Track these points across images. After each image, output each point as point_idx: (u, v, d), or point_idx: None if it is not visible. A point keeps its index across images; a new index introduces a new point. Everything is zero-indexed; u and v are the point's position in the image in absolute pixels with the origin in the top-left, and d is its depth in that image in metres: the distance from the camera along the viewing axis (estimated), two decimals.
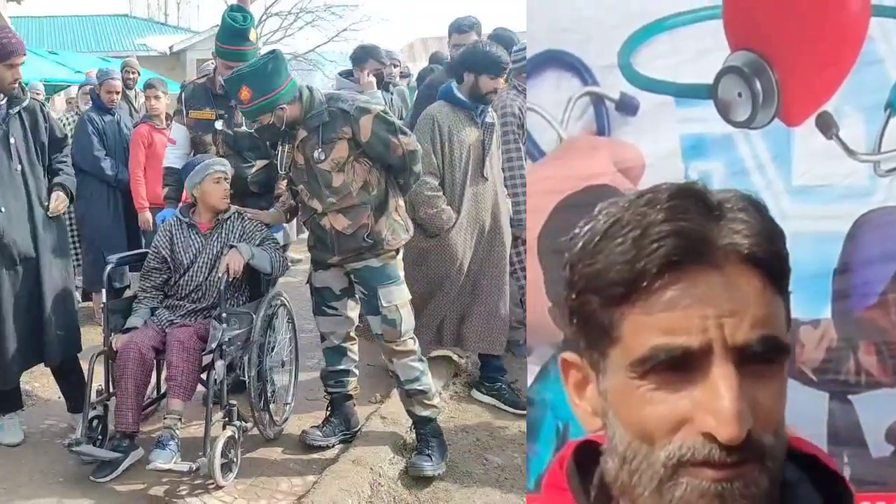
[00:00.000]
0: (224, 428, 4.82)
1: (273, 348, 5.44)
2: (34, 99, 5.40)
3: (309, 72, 25.75)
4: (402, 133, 4.95)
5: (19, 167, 5.04)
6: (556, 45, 2.66)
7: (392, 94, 7.84)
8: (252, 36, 5.69)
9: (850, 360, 2.51)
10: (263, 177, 5.81)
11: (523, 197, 5.89)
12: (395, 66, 8.49)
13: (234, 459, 4.83)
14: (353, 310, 5.32)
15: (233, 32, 5.61)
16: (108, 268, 5.20)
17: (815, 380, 2.55)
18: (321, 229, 5.05)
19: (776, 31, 2.41)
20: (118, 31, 34.55)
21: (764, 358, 1.01)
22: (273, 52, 5.10)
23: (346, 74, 7.54)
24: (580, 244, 1.09)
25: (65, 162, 5.46)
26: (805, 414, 2.45)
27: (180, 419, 4.83)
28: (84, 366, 5.20)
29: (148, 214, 7.44)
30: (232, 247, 5.07)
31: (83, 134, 7.75)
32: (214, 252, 5.18)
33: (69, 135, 6.39)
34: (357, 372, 5.49)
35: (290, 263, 6.04)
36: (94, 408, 4.94)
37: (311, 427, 5.39)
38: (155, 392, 5.41)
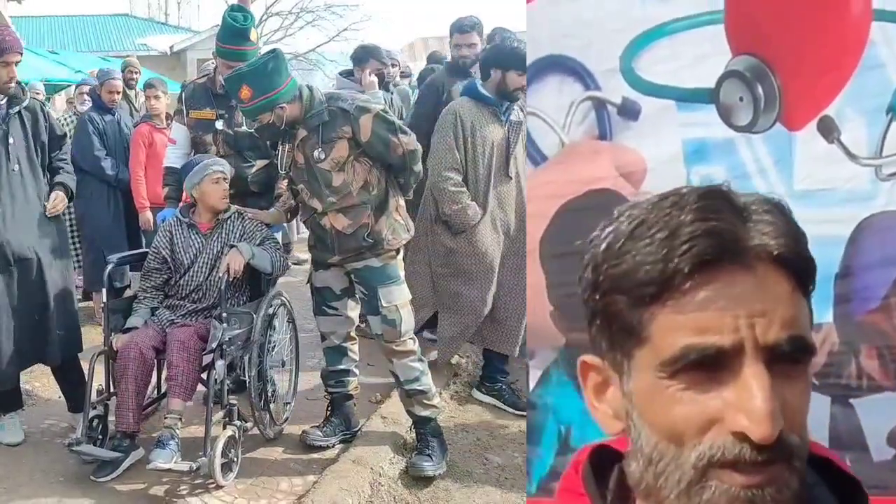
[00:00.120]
0: (224, 428, 4.83)
1: (273, 348, 5.44)
2: (34, 99, 5.40)
3: (309, 71, 25.76)
4: (402, 132, 4.95)
5: (17, 167, 5.03)
6: (558, 49, 2.66)
7: (392, 93, 7.83)
8: (252, 36, 5.69)
9: (851, 364, 2.51)
10: (264, 176, 5.80)
11: None
12: (394, 65, 8.48)
13: (235, 459, 4.83)
14: (353, 310, 5.32)
15: (233, 32, 5.61)
16: (109, 267, 5.20)
17: (816, 384, 2.55)
18: (321, 229, 5.05)
19: (777, 35, 2.41)
20: (118, 31, 34.58)
21: (791, 358, 1.02)
22: (273, 51, 5.10)
23: (347, 74, 7.54)
24: (604, 245, 1.09)
25: (64, 160, 5.47)
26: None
27: (181, 419, 4.83)
28: (84, 365, 5.20)
29: (148, 214, 7.44)
30: (232, 246, 5.07)
31: (84, 134, 7.74)
32: (215, 252, 5.18)
33: (69, 134, 6.38)
34: (357, 372, 5.49)
35: (291, 263, 6.04)
36: (95, 407, 4.94)
37: (312, 427, 5.39)
38: (155, 392, 5.40)
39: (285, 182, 5.36)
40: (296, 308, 5.83)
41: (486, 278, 5.97)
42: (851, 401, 2.54)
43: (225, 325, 4.84)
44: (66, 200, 5.37)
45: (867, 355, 2.51)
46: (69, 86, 13.07)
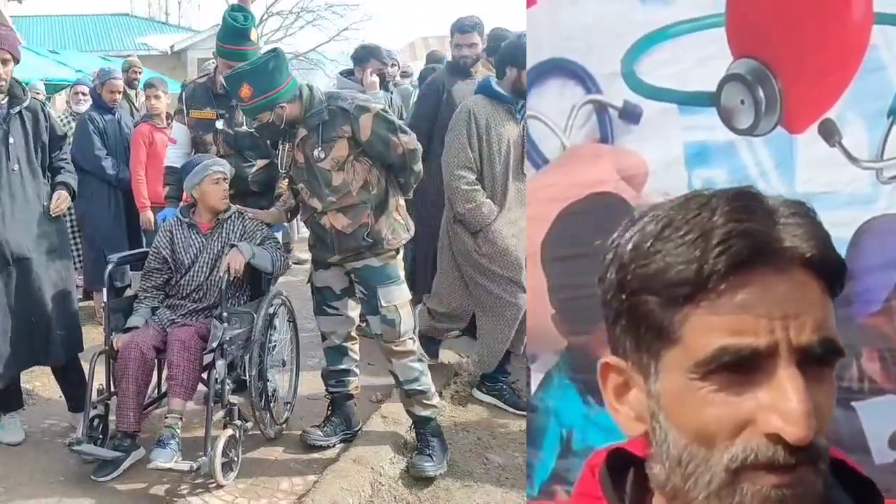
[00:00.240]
0: (225, 427, 4.84)
1: (274, 347, 5.44)
2: (35, 99, 5.40)
3: (310, 71, 25.75)
4: (401, 132, 4.94)
5: (17, 167, 5.03)
6: (559, 53, 2.66)
7: (391, 93, 7.83)
8: (253, 35, 5.69)
9: (853, 367, 2.51)
10: (264, 176, 5.80)
11: None
12: (394, 65, 8.48)
13: (235, 459, 4.84)
14: (353, 309, 5.33)
15: (234, 32, 5.61)
16: (109, 267, 5.19)
17: None
18: (321, 228, 5.05)
19: (779, 38, 2.41)
20: (119, 31, 34.59)
21: (821, 360, 1.02)
22: (274, 50, 5.10)
23: (348, 74, 7.54)
24: (631, 245, 1.08)
25: (65, 160, 5.47)
26: None
27: (181, 418, 4.83)
28: (85, 365, 5.20)
29: (149, 213, 7.43)
30: (233, 246, 5.07)
31: (84, 133, 7.74)
32: (215, 252, 5.18)
33: (69, 134, 6.38)
34: (358, 371, 5.49)
35: (292, 263, 6.04)
36: (95, 407, 4.94)
37: (312, 427, 5.40)
38: (156, 391, 5.40)
39: (286, 182, 5.36)
40: (296, 308, 5.83)
41: (512, 277, 5.88)
42: (853, 403, 2.54)
43: (225, 324, 4.84)
44: (69, 200, 5.38)
45: (868, 358, 2.51)
46: (70, 85, 13.09)
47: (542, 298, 2.70)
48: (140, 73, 9.28)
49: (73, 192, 5.43)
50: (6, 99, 5.06)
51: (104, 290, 5.24)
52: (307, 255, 5.57)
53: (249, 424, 5.10)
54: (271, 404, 5.34)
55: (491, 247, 5.85)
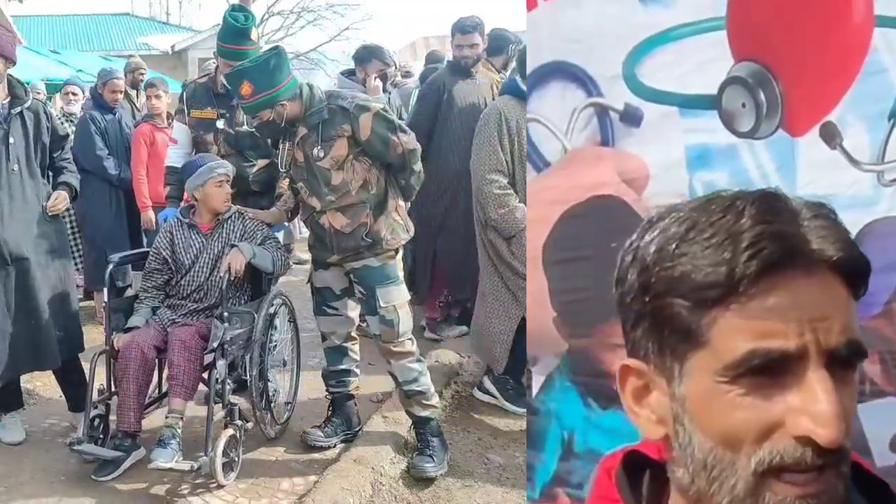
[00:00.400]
0: (225, 427, 4.84)
1: (275, 347, 5.45)
2: (36, 100, 5.40)
3: (310, 71, 25.75)
4: (401, 131, 4.94)
5: (16, 167, 5.04)
6: (560, 56, 2.66)
7: (389, 92, 7.83)
8: (253, 35, 5.70)
9: None
10: (265, 176, 5.81)
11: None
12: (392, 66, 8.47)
13: (236, 458, 4.85)
14: (353, 310, 5.33)
15: (234, 31, 5.62)
16: (110, 267, 5.20)
17: None
18: (320, 228, 5.06)
19: (780, 41, 2.41)
20: (120, 30, 34.66)
21: (847, 361, 1.02)
22: (275, 48, 5.11)
23: (349, 73, 7.54)
24: (654, 248, 1.09)
25: (67, 160, 5.48)
26: None
27: (182, 418, 4.84)
28: (85, 365, 5.20)
29: (151, 213, 7.43)
30: (233, 246, 5.07)
31: (85, 133, 7.73)
32: (216, 252, 5.18)
33: (70, 134, 6.38)
34: (358, 372, 5.49)
35: (293, 263, 6.04)
36: (96, 407, 4.96)
37: (313, 427, 5.41)
38: (156, 391, 5.41)
39: (286, 181, 5.36)
40: (297, 308, 5.83)
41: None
42: None
43: (226, 324, 4.84)
44: (69, 200, 5.38)
45: (870, 360, 2.51)
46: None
47: (543, 301, 2.70)
48: (145, 74, 9.28)
49: (75, 192, 5.44)
50: (7, 99, 5.06)
51: (105, 289, 5.24)
52: (308, 256, 5.56)
53: (250, 424, 5.11)
54: (272, 404, 5.34)
55: (525, 251, 5.73)
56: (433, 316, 7.57)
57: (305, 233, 5.64)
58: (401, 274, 5.17)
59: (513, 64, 6.71)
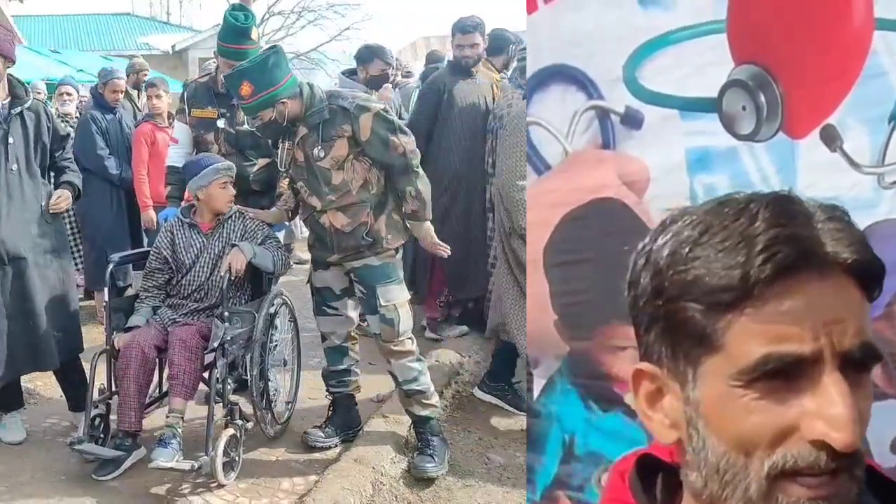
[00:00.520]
0: (226, 427, 4.85)
1: (275, 347, 5.45)
2: (36, 99, 5.40)
3: (311, 70, 25.75)
4: (401, 132, 4.93)
5: (15, 167, 5.04)
6: (561, 59, 2.66)
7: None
8: (254, 34, 5.70)
9: None
10: (265, 175, 5.81)
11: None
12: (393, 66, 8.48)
13: (236, 458, 4.85)
14: (353, 309, 5.33)
15: (234, 31, 5.62)
16: (111, 266, 5.20)
17: None
18: (320, 227, 5.06)
19: (780, 44, 2.41)
20: (120, 30, 34.66)
21: (861, 364, 1.01)
22: (273, 47, 5.11)
23: (350, 73, 7.54)
24: (667, 251, 1.08)
25: (69, 159, 5.48)
26: None
27: (182, 418, 4.84)
28: (86, 365, 5.20)
29: (151, 213, 7.40)
30: (234, 246, 5.07)
31: (86, 133, 7.72)
32: (216, 251, 5.18)
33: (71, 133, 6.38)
34: (359, 371, 5.49)
35: (293, 263, 6.03)
36: (97, 406, 4.96)
37: (313, 427, 5.41)
38: (157, 390, 5.41)
39: (286, 181, 5.36)
40: (297, 308, 5.83)
41: None
42: None
43: (227, 324, 4.85)
44: (70, 200, 5.37)
45: None
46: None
47: (543, 304, 2.70)
48: (148, 75, 9.27)
49: (78, 191, 5.44)
50: (8, 99, 5.06)
51: (105, 289, 5.24)
52: (308, 255, 5.56)
53: (250, 424, 5.11)
54: (272, 404, 5.35)
55: None
56: (433, 316, 7.57)
57: (306, 232, 5.64)
58: (401, 273, 5.17)
59: (514, 64, 6.71)
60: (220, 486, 4.71)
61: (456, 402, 6.21)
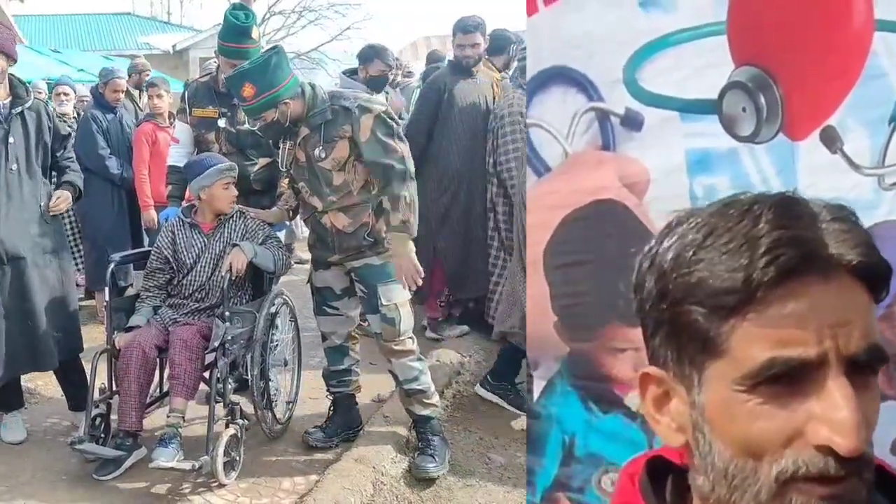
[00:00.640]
0: (227, 426, 4.84)
1: (276, 347, 5.45)
2: (37, 99, 5.40)
3: (311, 70, 25.74)
4: (399, 138, 4.90)
5: (15, 166, 5.04)
6: (561, 61, 2.66)
7: (388, 92, 7.83)
8: (254, 33, 5.69)
9: None
10: (266, 175, 5.81)
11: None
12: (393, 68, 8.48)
13: (237, 458, 4.85)
14: (354, 309, 5.32)
15: (235, 30, 5.62)
16: (111, 266, 5.20)
17: None
18: (322, 227, 5.06)
19: (780, 45, 2.41)
20: (121, 30, 34.65)
21: (868, 367, 1.01)
22: (275, 47, 5.10)
23: (351, 73, 7.54)
24: (672, 254, 1.07)
25: (70, 159, 5.49)
26: None
27: (183, 417, 4.85)
28: (86, 364, 5.21)
29: (153, 213, 7.40)
30: (235, 245, 5.07)
31: (87, 133, 7.73)
32: (217, 251, 5.18)
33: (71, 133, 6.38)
34: (359, 371, 5.49)
35: (294, 262, 6.03)
36: (97, 406, 4.96)
37: (314, 427, 5.41)
38: (158, 390, 5.41)
39: (287, 180, 5.36)
40: (298, 307, 5.83)
41: None
42: None
43: (227, 323, 4.85)
44: (70, 200, 5.37)
45: None
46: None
47: (543, 306, 2.70)
48: (150, 75, 9.27)
49: (79, 191, 5.44)
50: (9, 99, 5.06)
51: (106, 289, 5.24)
52: (309, 255, 5.56)
53: (251, 423, 5.11)
54: (273, 404, 5.35)
55: None
56: (434, 315, 7.57)
57: (306, 232, 5.63)
58: None
59: (514, 64, 6.71)
60: (221, 485, 4.71)
61: (456, 401, 6.20)
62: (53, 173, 5.42)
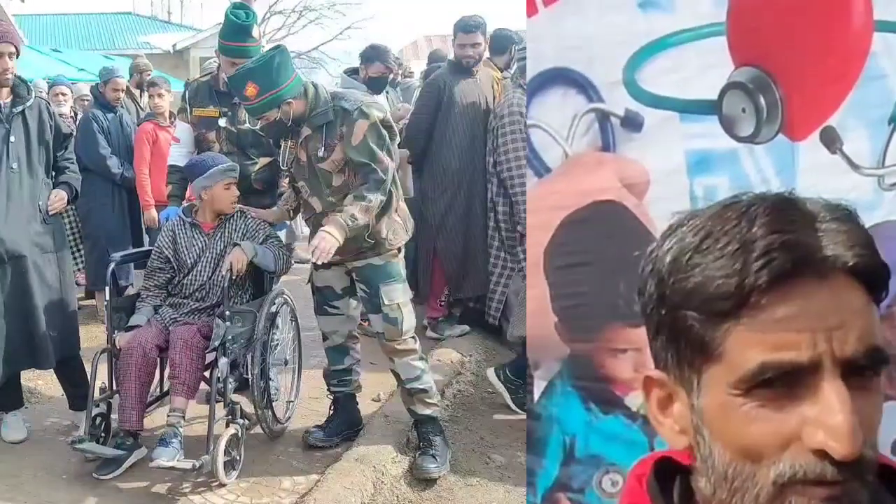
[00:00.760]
0: (227, 426, 4.84)
1: (276, 346, 5.45)
2: (39, 98, 5.40)
3: (312, 70, 25.76)
4: (387, 151, 4.87)
5: (15, 165, 5.03)
6: (561, 62, 2.66)
7: (388, 92, 7.83)
8: (255, 32, 5.69)
9: None
10: (267, 174, 5.80)
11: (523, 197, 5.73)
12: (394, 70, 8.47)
13: (237, 457, 4.85)
14: (354, 308, 5.32)
15: (235, 29, 5.61)
16: (112, 265, 5.20)
17: None
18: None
19: (780, 46, 2.41)
20: (122, 29, 34.63)
21: (867, 370, 1.00)
22: (278, 46, 5.09)
23: (352, 72, 7.53)
24: (669, 258, 1.07)
25: (69, 159, 5.48)
26: None
27: (183, 417, 4.85)
28: (87, 364, 5.21)
29: (153, 212, 7.40)
30: (235, 245, 5.07)
31: (88, 132, 7.73)
32: (218, 251, 5.18)
33: (73, 133, 6.38)
34: (360, 371, 5.49)
35: (294, 262, 6.03)
36: (98, 405, 4.96)
37: (314, 427, 5.42)
38: (158, 390, 5.41)
39: (287, 179, 5.35)
40: (298, 307, 5.82)
41: None
42: None
43: (228, 323, 4.84)
44: (66, 201, 5.37)
45: None
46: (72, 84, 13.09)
47: (544, 306, 2.70)
48: (150, 75, 9.26)
49: (76, 192, 5.44)
50: (10, 98, 5.06)
51: (106, 288, 5.24)
52: (308, 255, 5.55)
53: (251, 423, 5.11)
54: (273, 403, 5.35)
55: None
56: (435, 315, 7.57)
57: (307, 232, 5.63)
58: (403, 272, 5.16)
59: (515, 64, 6.71)
60: (222, 485, 4.71)
61: (457, 401, 6.19)
62: (52, 173, 5.41)
